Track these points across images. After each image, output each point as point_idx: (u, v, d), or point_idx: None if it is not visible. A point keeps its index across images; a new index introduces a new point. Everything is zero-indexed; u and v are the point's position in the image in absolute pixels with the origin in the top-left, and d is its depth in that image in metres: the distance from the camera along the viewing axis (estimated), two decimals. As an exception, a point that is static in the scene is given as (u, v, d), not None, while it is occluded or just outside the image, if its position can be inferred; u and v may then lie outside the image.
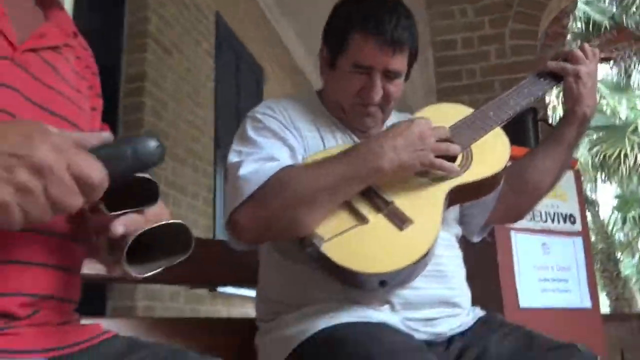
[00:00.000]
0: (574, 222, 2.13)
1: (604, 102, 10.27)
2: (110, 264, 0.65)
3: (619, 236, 13.91)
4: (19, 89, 0.70)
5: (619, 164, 9.36)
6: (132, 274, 0.60)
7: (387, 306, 1.10)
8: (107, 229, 0.61)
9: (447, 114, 1.20)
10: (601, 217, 13.38)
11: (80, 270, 0.77)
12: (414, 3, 4.63)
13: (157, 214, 0.66)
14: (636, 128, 8.94)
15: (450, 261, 1.20)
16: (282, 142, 1.16)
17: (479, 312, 1.23)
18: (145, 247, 0.62)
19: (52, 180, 0.50)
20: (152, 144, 0.58)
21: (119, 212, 0.61)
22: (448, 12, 3.19)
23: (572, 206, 2.14)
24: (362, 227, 1.05)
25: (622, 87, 9.89)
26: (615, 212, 13.32)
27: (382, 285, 1.04)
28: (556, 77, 1.26)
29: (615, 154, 9.08)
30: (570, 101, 1.24)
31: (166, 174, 3.17)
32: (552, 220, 2.09)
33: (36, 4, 0.84)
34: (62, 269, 0.70)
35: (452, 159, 1.13)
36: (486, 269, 1.87)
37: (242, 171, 1.09)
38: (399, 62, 1.17)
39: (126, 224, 0.61)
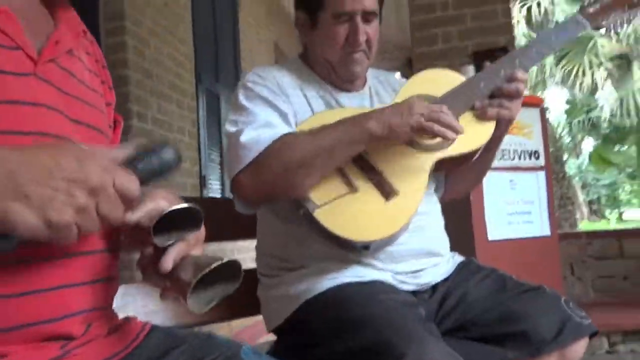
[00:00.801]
0: (538, 158, 2.20)
1: (558, 9, 10.10)
2: (164, 289, 0.67)
3: (567, 139, 14.31)
4: (47, 104, 0.68)
5: (574, 72, 9.41)
6: (195, 310, 0.63)
7: (376, 260, 1.15)
8: (157, 263, 0.64)
9: (438, 81, 1.22)
10: (551, 121, 13.67)
11: (117, 277, 0.78)
12: None
13: (198, 237, 0.69)
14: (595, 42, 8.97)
15: (430, 216, 1.25)
16: (274, 108, 1.17)
17: (458, 259, 1.30)
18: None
19: (103, 198, 0.54)
20: (172, 153, 0.62)
21: (167, 244, 0.64)
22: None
23: (537, 143, 2.20)
24: (352, 195, 1.10)
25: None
26: (565, 115, 13.58)
27: (366, 249, 1.11)
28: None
29: (576, 66, 9.10)
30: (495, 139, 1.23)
31: (152, 113, 3.10)
32: (519, 158, 2.15)
33: (41, 3, 0.79)
34: (104, 280, 0.72)
35: None
36: (460, 207, 1.94)
37: (243, 138, 1.11)
38: (372, 2, 1.21)
39: (175, 257, 0.64)
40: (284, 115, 1.17)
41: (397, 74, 1.49)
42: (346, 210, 1.09)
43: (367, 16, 1.20)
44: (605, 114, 10.06)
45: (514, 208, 2.07)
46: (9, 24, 0.66)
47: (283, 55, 6.07)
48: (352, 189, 1.10)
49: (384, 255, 1.15)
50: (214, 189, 3.89)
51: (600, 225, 14.84)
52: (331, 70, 1.25)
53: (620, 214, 21.89)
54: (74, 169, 0.53)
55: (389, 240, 1.11)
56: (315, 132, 1.10)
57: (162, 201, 0.66)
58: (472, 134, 1.17)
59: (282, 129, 1.13)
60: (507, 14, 2.89)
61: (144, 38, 3.10)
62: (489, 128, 1.19)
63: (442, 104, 1.12)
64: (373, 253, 1.14)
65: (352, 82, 1.27)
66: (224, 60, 4.27)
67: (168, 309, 1.22)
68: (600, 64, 8.94)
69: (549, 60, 11.01)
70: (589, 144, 15.40)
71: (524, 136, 2.14)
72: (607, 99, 9.79)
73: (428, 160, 1.15)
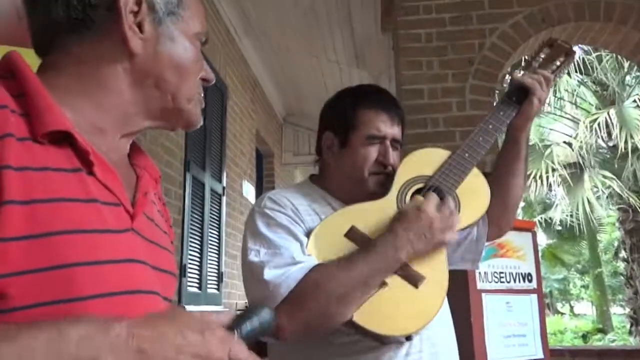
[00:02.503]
0: (531, 280, 2.28)
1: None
2: None
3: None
4: (139, 258, 0.69)
5: (532, 176, 9.95)
6: None
7: None
8: None
9: (426, 161, 1.29)
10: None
11: None
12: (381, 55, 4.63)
13: None
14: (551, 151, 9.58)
15: (444, 338, 1.28)
16: (294, 237, 1.20)
17: None
18: None
19: None
20: (269, 314, 0.68)
21: None
22: (416, 62, 3.28)
23: (530, 266, 2.29)
24: (383, 291, 1.13)
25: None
26: (522, 212, 14.12)
27: (408, 339, 1.16)
28: (514, 104, 1.30)
29: (533, 171, 9.65)
30: (524, 120, 1.30)
31: (143, 201, 3.06)
32: (515, 280, 2.23)
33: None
34: None
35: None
36: (462, 330, 1.97)
37: (268, 275, 1.13)
38: (399, 133, 1.32)
39: None
40: (302, 244, 1.19)
41: None
42: (382, 307, 1.12)
43: (395, 143, 1.31)
44: (559, 215, 10.58)
45: (510, 330, 2.13)
46: (114, 181, 0.69)
47: (263, 142, 6.20)
48: (382, 284, 1.14)
49: None
50: (193, 279, 3.81)
51: (555, 320, 15.07)
52: (350, 188, 1.30)
53: (572, 308, 22.39)
54: (198, 343, 0.57)
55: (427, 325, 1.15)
56: (346, 265, 1.12)
57: None
58: (471, 206, 1.25)
59: (306, 263, 1.14)
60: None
61: (141, 128, 3.12)
62: (485, 198, 1.27)
63: (449, 205, 1.18)
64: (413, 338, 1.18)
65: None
66: (211, 148, 4.33)
67: None
68: (555, 170, 9.54)
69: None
70: (542, 239, 15.98)
71: (518, 259, 2.24)
72: (560, 201, 10.34)
73: None
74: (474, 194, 1.27)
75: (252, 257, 1.18)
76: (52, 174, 0.62)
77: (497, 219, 1.36)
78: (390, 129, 1.29)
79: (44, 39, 0.72)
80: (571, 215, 10.01)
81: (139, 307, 0.66)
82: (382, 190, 1.29)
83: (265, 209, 1.24)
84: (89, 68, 0.71)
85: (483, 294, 2.02)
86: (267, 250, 1.17)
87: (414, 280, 1.15)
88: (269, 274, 1.12)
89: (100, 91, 0.71)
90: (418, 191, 1.24)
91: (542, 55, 1.36)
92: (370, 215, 1.21)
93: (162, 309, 0.73)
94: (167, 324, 0.58)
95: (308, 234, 1.22)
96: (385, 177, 1.29)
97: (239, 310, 0.70)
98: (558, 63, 1.36)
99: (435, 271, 1.17)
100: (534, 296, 2.26)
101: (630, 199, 9.46)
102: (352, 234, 1.19)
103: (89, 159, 0.66)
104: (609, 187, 9.87)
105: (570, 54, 1.36)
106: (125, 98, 0.73)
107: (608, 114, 8.96)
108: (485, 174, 1.33)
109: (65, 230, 0.60)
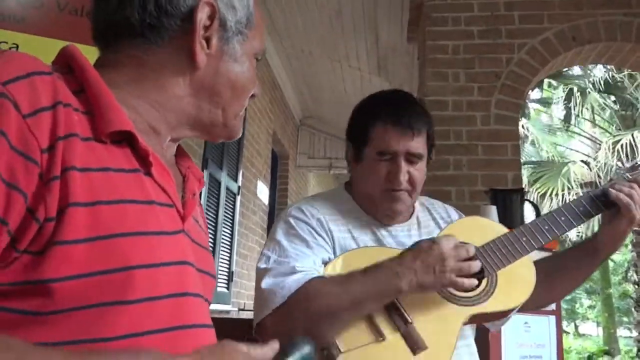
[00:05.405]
0: (550, 301, 2.25)
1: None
2: None
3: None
4: (187, 260, 0.69)
5: (548, 193, 9.85)
6: None
7: None
8: None
9: (480, 230, 1.22)
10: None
11: None
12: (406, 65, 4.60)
13: None
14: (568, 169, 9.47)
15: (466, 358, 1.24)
16: (310, 251, 1.18)
17: None
18: None
19: None
20: (311, 349, 0.67)
21: None
22: (442, 74, 3.26)
23: (549, 286, 2.26)
24: (378, 344, 1.09)
25: (562, 127, 10.34)
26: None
27: None
28: (599, 206, 1.20)
29: (550, 188, 9.55)
30: (612, 239, 1.22)
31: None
32: (534, 300, 2.20)
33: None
34: None
35: (479, 279, 1.13)
36: (479, 346, 1.95)
37: (265, 284, 1.13)
38: (418, 145, 1.24)
39: None
40: (317, 258, 1.17)
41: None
42: (371, 359, 1.07)
43: (411, 158, 1.24)
44: (572, 233, 10.47)
45: (527, 351, 2.10)
46: (169, 182, 0.69)
47: (279, 144, 6.20)
48: (379, 337, 1.09)
49: None
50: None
51: (560, 340, 14.88)
52: (372, 205, 1.28)
53: (577, 328, 22.18)
54: None
55: None
56: (342, 282, 1.10)
57: None
58: (508, 294, 1.16)
59: (306, 273, 1.12)
60: (517, 151, 3.07)
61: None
62: (525, 291, 1.16)
63: (468, 249, 1.10)
64: None
65: (392, 218, 1.28)
66: (229, 147, 4.34)
67: None
68: (571, 188, 9.43)
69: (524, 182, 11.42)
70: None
71: (539, 279, 2.21)
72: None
73: (461, 315, 1.13)
74: (515, 284, 1.17)
75: (261, 263, 1.18)
76: (113, 175, 0.61)
77: (537, 303, 1.28)
78: (401, 145, 1.22)
79: (108, 34, 0.72)
80: (579, 237, 9.90)
81: (186, 309, 0.66)
82: (399, 207, 1.25)
83: (289, 217, 1.24)
84: (151, 73, 0.71)
85: (502, 313, 1.98)
86: (276, 258, 1.16)
87: (415, 345, 1.08)
88: (266, 282, 1.12)
89: (159, 95, 0.71)
90: None
91: None
92: None
93: (205, 310, 0.73)
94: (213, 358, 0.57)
95: (334, 244, 1.21)
96: (405, 194, 1.24)
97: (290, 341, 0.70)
98: None
99: (440, 348, 1.09)
100: (552, 317, 2.23)
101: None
102: None
103: (148, 160, 0.66)
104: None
105: None
106: (181, 106, 0.73)
107: (632, 135, 8.87)
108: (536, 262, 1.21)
109: (125, 232, 0.59)
